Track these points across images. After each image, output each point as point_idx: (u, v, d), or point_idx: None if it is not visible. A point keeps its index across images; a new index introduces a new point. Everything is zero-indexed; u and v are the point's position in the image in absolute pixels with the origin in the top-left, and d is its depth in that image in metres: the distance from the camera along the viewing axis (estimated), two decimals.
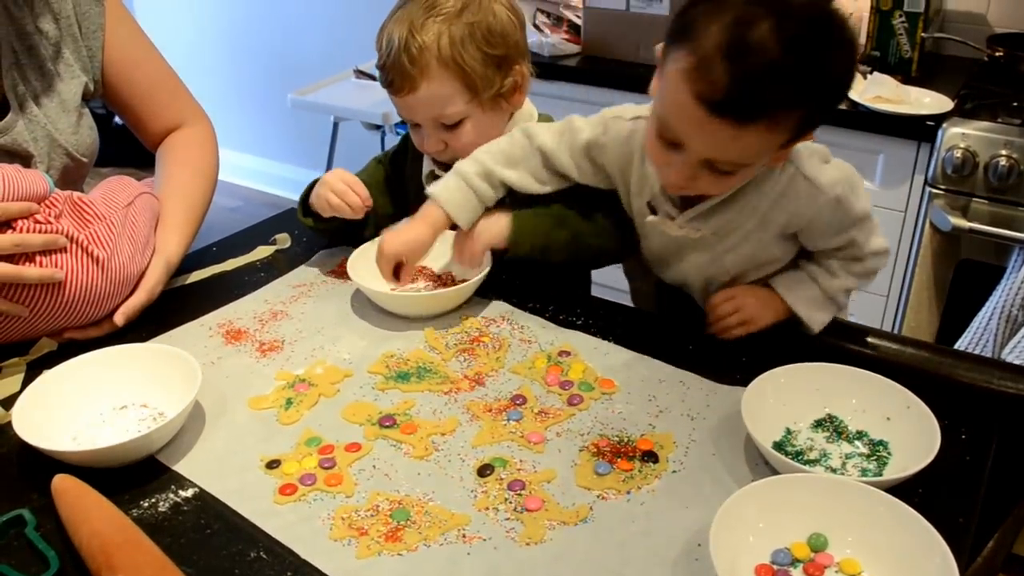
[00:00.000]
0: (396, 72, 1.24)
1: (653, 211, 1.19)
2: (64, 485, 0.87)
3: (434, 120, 1.27)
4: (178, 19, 4.15)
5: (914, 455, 0.90)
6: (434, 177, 1.37)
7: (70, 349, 1.12)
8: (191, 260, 1.35)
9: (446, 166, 1.35)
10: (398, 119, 2.99)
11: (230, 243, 1.44)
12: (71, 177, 1.28)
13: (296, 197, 1.39)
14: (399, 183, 1.44)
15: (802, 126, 0.98)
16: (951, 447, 0.94)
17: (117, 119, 1.43)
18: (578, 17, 2.53)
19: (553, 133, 1.24)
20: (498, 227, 1.23)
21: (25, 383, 1.07)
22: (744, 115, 0.93)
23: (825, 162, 1.13)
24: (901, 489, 0.85)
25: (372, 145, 3.49)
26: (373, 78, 3.24)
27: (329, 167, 3.41)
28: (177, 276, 1.30)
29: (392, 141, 3.34)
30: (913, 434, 0.93)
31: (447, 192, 1.23)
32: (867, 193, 1.14)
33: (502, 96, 1.29)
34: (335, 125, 3.30)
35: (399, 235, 1.21)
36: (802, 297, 1.16)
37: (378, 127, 3.20)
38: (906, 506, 0.80)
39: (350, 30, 3.70)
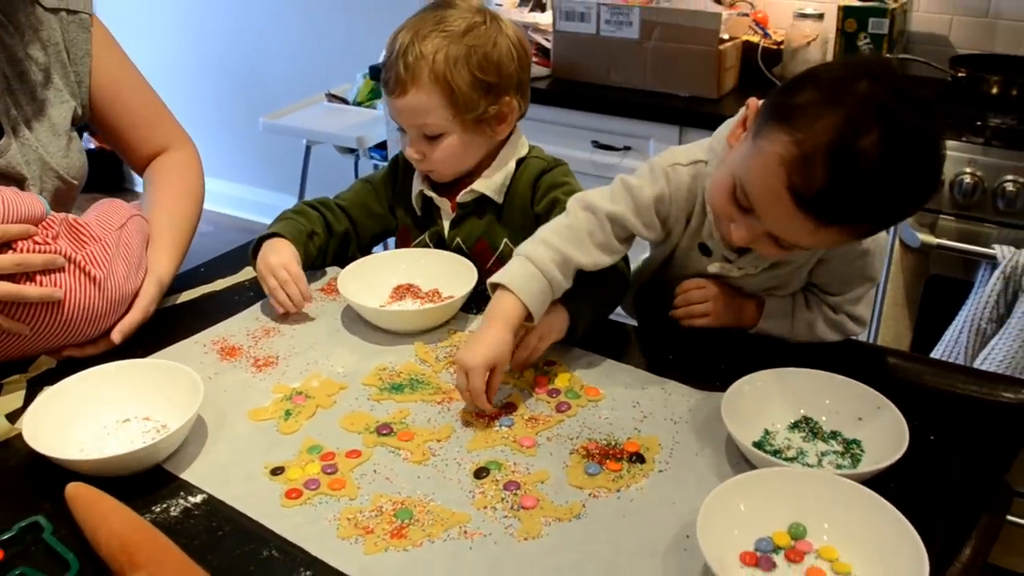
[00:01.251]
0: (391, 73, 1.35)
1: (704, 251, 1.27)
2: (78, 492, 0.94)
3: (417, 128, 1.37)
4: (144, 45, 4.21)
5: (885, 452, 0.99)
6: (424, 197, 1.46)
7: (68, 366, 1.19)
8: (179, 281, 1.42)
9: (435, 186, 1.44)
10: (372, 143, 3.10)
11: (217, 264, 1.52)
12: (62, 200, 1.35)
13: (268, 221, 1.47)
14: (387, 204, 1.52)
15: (871, 232, 1.08)
16: (920, 448, 1.03)
17: (88, 143, 1.50)
18: (547, 40, 2.64)
19: (612, 198, 1.23)
20: (561, 325, 1.22)
21: (27, 399, 1.15)
22: (829, 218, 1.00)
23: None
24: (874, 485, 0.94)
25: (345, 169, 3.58)
26: (346, 102, 3.34)
27: (302, 192, 3.49)
28: (167, 296, 1.38)
29: (365, 164, 3.44)
30: (884, 433, 1.03)
31: (523, 282, 1.16)
32: (882, 270, 1.25)
33: (485, 121, 1.38)
34: (307, 149, 3.38)
35: (480, 345, 1.11)
36: (773, 304, 1.27)
37: (352, 151, 3.29)
38: (878, 496, 0.90)
39: (318, 54, 3.79)
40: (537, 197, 1.43)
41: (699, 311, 1.27)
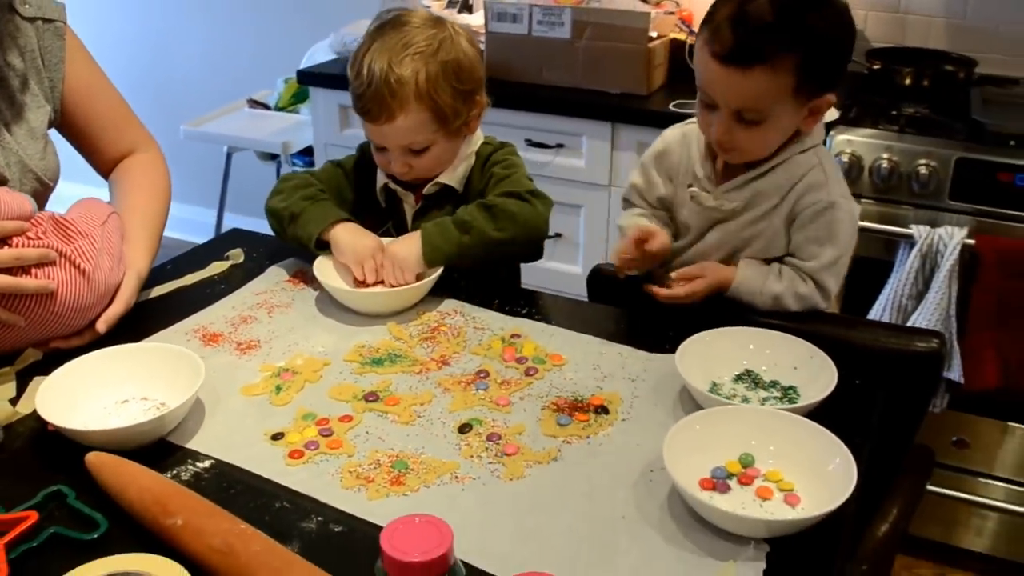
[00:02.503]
0: (375, 102, 1.49)
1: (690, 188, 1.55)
2: (101, 459, 1.09)
3: (404, 147, 1.53)
4: None
5: (818, 393, 1.21)
6: (387, 190, 1.64)
7: (54, 358, 1.32)
8: (149, 278, 1.56)
9: (399, 181, 1.62)
10: (297, 149, 3.25)
11: (184, 261, 1.67)
12: (38, 201, 1.49)
13: (187, 238, 1.61)
14: (354, 191, 1.69)
15: (803, 74, 1.36)
16: (847, 391, 1.25)
17: None
18: (480, 42, 2.84)
19: (633, 175, 1.63)
20: (415, 249, 1.48)
21: (19, 390, 1.29)
22: (745, 61, 1.35)
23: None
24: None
25: (266, 176, 3.71)
26: (267, 107, 3.47)
27: (222, 202, 3.61)
28: (142, 291, 1.52)
29: (287, 171, 3.58)
30: (816, 378, 1.25)
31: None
32: (853, 241, 1.51)
33: (465, 123, 1.57)
34: (228, 157, 3.51)
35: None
36: (746, 275, 1.48)
37: (274, 157, 3.43)
38: (812, 422, 1.11)
39: (231, 60, 3.91)
40: (484, 179, 1.62)
41: (685, 302, 1.47)
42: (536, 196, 1.56)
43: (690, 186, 1.54)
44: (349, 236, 1.51)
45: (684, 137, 1.57)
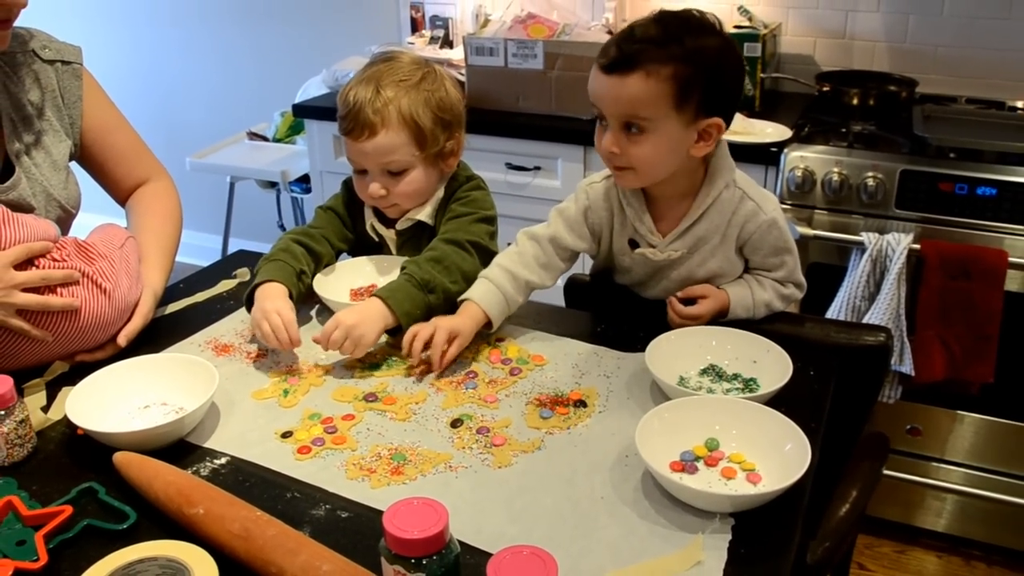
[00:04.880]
0: (358, 120, 1.53)
1: (634, 245, 1.54)
2: (127, 457, 1.13)
3: (382, 166, 1.56)
4: None
5: (776, 383, 1.26)
6: (374, 231, 1.68)
7: (79, 370, 1.37)
8: (164, 296, 1.60)
9: (384, 219, 1.66)
10: (294, 177, 3.29)
11: (194, 280, 1.72)
12: (62, 227, 1.53)
13: (195, 262, 1.64)
14: (352, 228, 1.71)
15: (679, 85, 1.35)
16: (802, 381, 1.31)
17: None
18: (460, 74, 2.90)
19: (549, 224, 1.56)
20: (383, 318, 1.42)
21: (49, 399, 1.33)
22: (624, 67, 1.36)
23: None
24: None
25: (267, 204, 3.77)
26: (266, 139, 3.52)
27: (227, 228, 3.65)
28: (157, 308, 1.56)
29: (286, 198, 3.63)
30: (774, 370, 1.30)
31: (482, 295, 1.46)
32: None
33: (441, 156, 1.60)
34: (231, 186, 3.55)
35: (451, 318, 1.42)
36: (737, 295, 1.50)
37: (273, 184, 3.47)
38: (771, 409, 1.16)
39: (228, 97, 3.97)
40: (447, 215, 1.62)
41: (692, 324, 1.47)
42: (477, 248, 1.57)
43: (635, 244, 1.53)
44: (260, 296, 1.46)
45: (607, 193, 1.54)
